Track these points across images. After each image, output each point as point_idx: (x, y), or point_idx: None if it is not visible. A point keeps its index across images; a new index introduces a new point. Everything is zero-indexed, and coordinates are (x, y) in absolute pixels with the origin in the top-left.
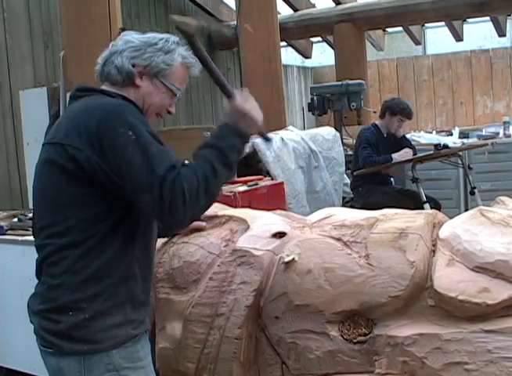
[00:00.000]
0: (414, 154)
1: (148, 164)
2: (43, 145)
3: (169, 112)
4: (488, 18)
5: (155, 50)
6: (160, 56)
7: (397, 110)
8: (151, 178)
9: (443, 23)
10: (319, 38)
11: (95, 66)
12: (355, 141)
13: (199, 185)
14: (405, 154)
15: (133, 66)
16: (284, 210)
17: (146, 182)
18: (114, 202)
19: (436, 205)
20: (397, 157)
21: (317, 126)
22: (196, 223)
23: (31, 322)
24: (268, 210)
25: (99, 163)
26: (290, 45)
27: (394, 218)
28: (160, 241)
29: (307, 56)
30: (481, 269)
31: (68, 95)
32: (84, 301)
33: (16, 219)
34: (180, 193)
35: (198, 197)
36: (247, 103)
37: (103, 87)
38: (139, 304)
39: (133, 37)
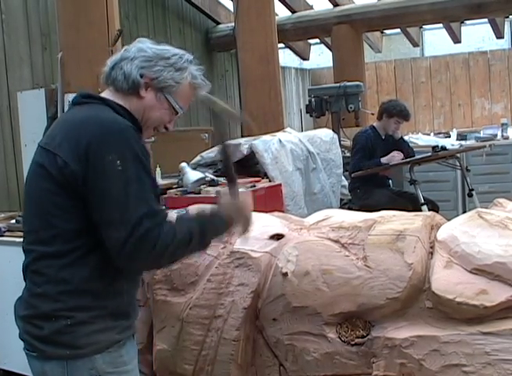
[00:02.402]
0: (412, 156)
1: (126, 201)
2: (38, 145)
3: (166, 128)
4: (485, 20)
5: (166, 65)
6: (170, 72)
7: (393, 112)
8: (125, 215)
9: (441, 24)
10: (317, 40)
11: (104, 68)
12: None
13: (169, 248)
14: (392, 158)
15: (141, 76)
16: (282, 212)
17: (119, 218)
18: None
19: (434, 207)
20: (385, 160)
21: (315, 128)
22: None
23: (17, 325)
24: (266, 212)
25: (82, 181)
26: (287, 46)
27: (391, 220)
28: None
29: (305, 58)
30: (479, 271)
31: (66, 96)
32: (65, 310)
33: (13, 221)
34: (150, 245)
35: (162, 257)
36: (250, 210)
37: (106, 93)
38: (123, 316)
39: (147, 46)
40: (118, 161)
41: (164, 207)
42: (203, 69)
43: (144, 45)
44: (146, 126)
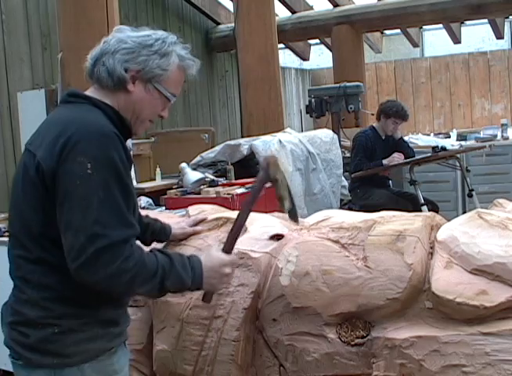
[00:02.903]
0: (412, 156)
1: (88, 207)
2: (25, 145)
3: (161, 116)
4: (485, 20)
5: (150, 53)
6: (155, 60)
7: (390, 112)
8: (84, 221)
9: (441, 25)
10: (317, 40)
11: (85, 63)
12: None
13: (129, 273)
14: (393, 159)
15: (125, 70)
16: (282, 212)
17: (78, 222)
18: None
19: (434, 207)
20: (386, 162)
21: (315, 128)
22: (191, 229)
23: (2, 331)
24: (266, 212)
25: (51, 179)
26: (287, 47)
27: (392, 221)
28: (159, 244)
29: (305, 58)
30: (479, 271)
31: None
32: (51, 318)
33: None
34: (109, 261)
35: (118, 280)
36: (232, 270)
37: (92, 90)
38: (112, 323)
39: (127, 35)
40: (89, 164)
41: (134, 223)
42: (189, 47)
43: (123, 35)
44: (139, 120)
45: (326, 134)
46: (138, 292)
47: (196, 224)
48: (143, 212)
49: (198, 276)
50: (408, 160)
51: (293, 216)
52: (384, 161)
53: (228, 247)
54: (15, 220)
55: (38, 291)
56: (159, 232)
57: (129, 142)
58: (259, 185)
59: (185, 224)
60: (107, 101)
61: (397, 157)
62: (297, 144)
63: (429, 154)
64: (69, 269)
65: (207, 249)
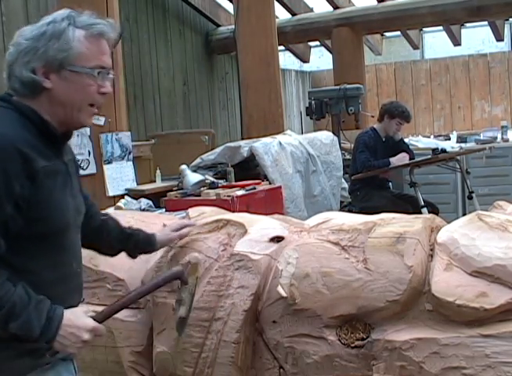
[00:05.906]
0: (412, 158)
1: None
2: None
3: (103, 93)
4: (485, 22)
5: (46, 41)
6: (53, 45)
7: (396, 113)
8: None
9: (441, 27)
10: (317, 42)
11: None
12: (352, 145)
13: None
14: (402, 158)
15: (33, 71)
16: (282, 214)
17: None
18: None
19: (434, 210)
20: (394, 161)
21: (315, 130)
22: (176, 234)
23: None
24: (266, 214)
25: None
26: (288, 49)
27: (391, 223)
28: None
29: (305, 60)
30: (479, 273)
31: None
32: None
33: None
34: None
35: None
36: (91, 338)
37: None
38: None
39: (22, 35)
40: None
41: None
42: (93, 12)
43: (20, 39)
44: (76, 110)
45: (326, 136)
46: None
47: (182, 228)
48: (126, 224)
49: (51, 331)
50: (408, 161)
51: (181, 326)
52: (392, 160)
53: (101, 317)
54: None
55: None
56: (143, 242)
57: (126, 134)
58: (166, 277)
59: (168, 229)
60: (34, 108)
61: (405, 157)
62: (297, 146)
63: (429, 156)
64: None
65: (207, 250)
